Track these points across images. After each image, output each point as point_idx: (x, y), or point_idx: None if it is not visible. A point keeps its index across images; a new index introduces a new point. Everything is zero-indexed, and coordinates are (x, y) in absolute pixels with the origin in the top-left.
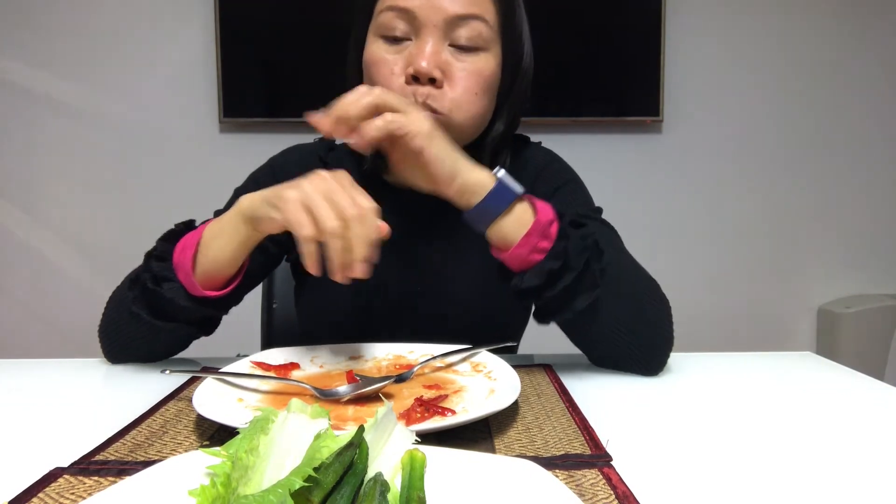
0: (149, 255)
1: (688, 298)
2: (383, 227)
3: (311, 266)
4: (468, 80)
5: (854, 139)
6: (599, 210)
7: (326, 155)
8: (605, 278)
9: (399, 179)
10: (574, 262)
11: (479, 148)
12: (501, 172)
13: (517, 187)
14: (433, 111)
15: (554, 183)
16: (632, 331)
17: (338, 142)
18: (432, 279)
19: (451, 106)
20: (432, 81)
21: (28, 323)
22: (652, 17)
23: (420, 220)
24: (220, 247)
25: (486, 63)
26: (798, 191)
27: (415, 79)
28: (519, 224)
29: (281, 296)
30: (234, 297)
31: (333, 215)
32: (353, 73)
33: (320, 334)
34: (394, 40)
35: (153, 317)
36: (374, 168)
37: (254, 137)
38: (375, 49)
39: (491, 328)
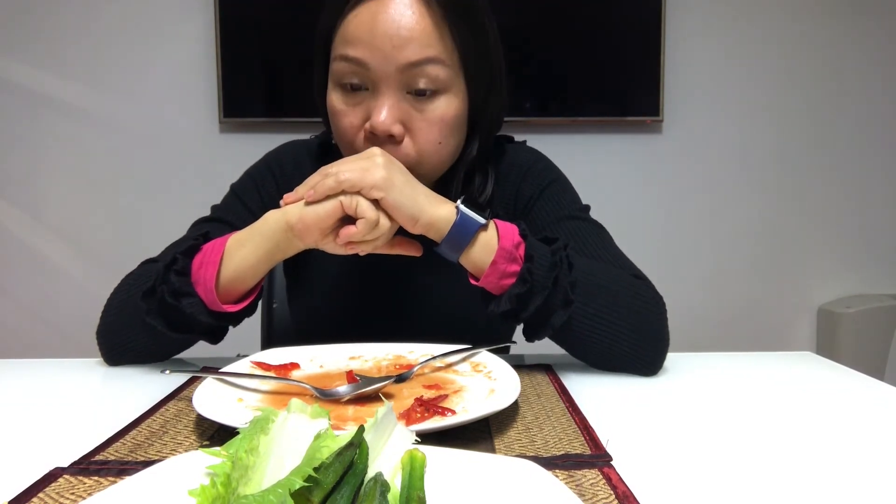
0: (167, 268)
1: (688, 298)
2: None
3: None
4: (430, 131)
5: (853, 139)
6: (587, 208)
7: (323, 155)
8: (578, 290)
9: None
10: (541, 283)
11: (454, 170)
12: (462, 205)
13: (478, 217)
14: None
15: (540, 183)
16: (621, 334)
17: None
18: (417, 263)
19: (417, 157)
20: (391, 137)
21: (28, 323)
22: (652, 17)
23: None
24: (243, 256)
25: (449, 105)
26: (798, 191)
27: (374, 134)
28: (486, 252)
29: (281, 296)
30: (249, 310)
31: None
32: (320, 100)
33: (313, 332)
34: (351, 90)
35: (168, 328)
36: None
37: (254, 137)
38: (335, 99)
39: (483, 318)
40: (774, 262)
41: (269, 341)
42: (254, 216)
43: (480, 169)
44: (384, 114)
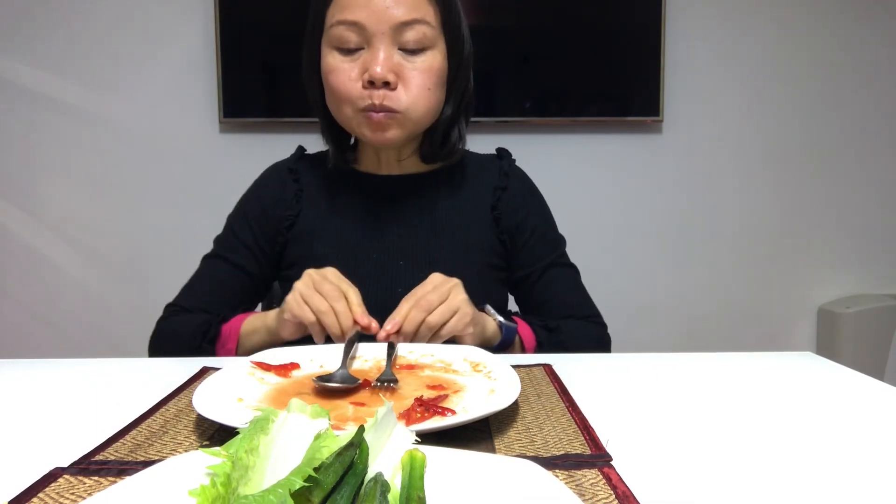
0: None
1: (688, 298)
2: (361, 320)
3: (318, 339)
4: (420, 79)
5: (853, 139)
6: (564, 243)
7: (295, 164)
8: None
9: (365, 166)
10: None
11: (433, 130)
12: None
13: (510, 334)
14: (391, 111)
15: (540, 213)
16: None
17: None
18: (413, 251)
19: (408, 104)
20: (386, 84)
21: (28, 323)
22: (652, 17)
23: (393, 200)
24: (254, 343)
25: (434, 59)
26: (798, 190)
27: (370, 83)
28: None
29: (281, 297)
30: None
31: (321, 300)
32: (309, 80)
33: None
34: (347, 51)
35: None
36: (337, 163)
37: (254, 138)
38: (332, 60)
39: (473, 295)
40: (774, 262)
41: None
42: (246, 248)
43: (454, 130)
44: (381, 63)
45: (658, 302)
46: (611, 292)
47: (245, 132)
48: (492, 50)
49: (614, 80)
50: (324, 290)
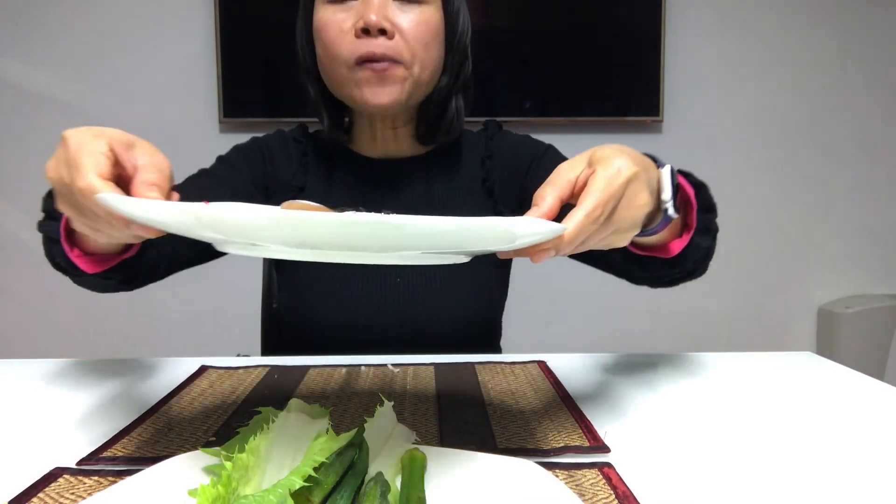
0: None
1: (688, 298)
2: None
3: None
4: (417, 30)
5: (854, 138)
6: None
7: (302, 137)
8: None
9: (360, 147)
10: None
11: (428, 101)
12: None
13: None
14: (395, 61)
15: (534, 153)
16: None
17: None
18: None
19: (410, 54)
20: (382, 33)
21: (28, 323)
22: (652, 17)
23: (390, 184)
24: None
25: (430, 14)
26: (798, 190)
27: (365, 32)
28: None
29: (280, 287)
30: (136, 270)
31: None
32: (302, 42)
33: (304, 305)
34: (340, 1)
35: (58, 269)
36: (332, 135)
37: None
38: (323, 13)
39: (468, 280)
40: (774, 262)
41: (268, 341)
42: (234, 168)
43: (450, 104)
44: (375, 10)
45: (658, 302)
46: (610, 292)
47: (245, 132)
48: (492, 50)
49: (614, 80)
50: (72, 200)
